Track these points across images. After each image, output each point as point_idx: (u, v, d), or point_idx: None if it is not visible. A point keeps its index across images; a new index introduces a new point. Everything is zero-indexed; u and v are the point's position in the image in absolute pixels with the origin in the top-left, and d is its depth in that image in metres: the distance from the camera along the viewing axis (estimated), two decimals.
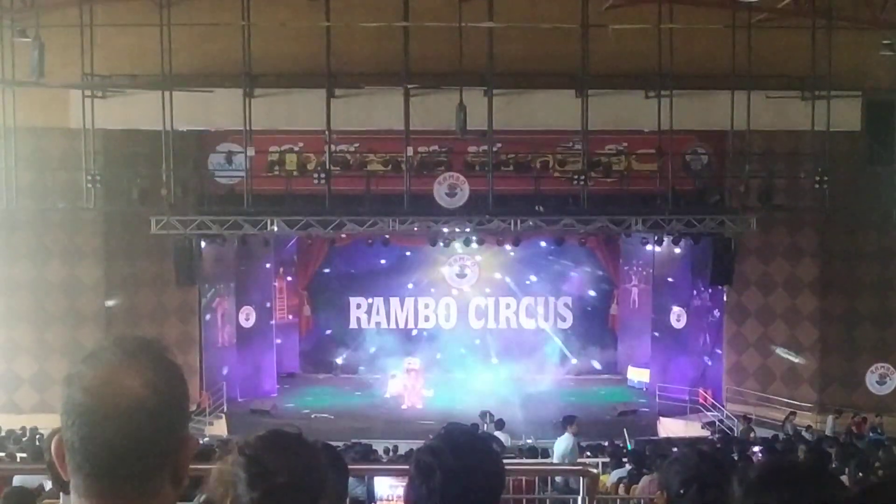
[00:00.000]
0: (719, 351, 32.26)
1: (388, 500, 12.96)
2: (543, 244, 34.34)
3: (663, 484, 4.46)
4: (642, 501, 13.81)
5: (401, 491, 12.96)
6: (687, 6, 26.72)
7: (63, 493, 2.16)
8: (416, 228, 28.31)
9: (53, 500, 8.60)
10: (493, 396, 31.35)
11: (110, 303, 29.65)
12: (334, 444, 23.11)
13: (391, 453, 22.34)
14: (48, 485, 9.29)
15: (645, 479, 15.39)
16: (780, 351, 31.09)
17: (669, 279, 33.72)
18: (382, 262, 35.59)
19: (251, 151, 26.98)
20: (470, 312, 36.86)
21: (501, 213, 27.34)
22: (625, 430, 25.45)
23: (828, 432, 26.47)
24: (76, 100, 26.73)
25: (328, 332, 36.71)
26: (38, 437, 21.72)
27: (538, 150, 29.85)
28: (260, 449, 3.08)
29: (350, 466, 5.56)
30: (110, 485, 2.15)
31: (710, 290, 32.07)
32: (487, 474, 3.25)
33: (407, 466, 3.36)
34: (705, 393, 31.63)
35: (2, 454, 18.72)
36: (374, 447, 22.22)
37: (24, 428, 23.91)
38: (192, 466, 2.32)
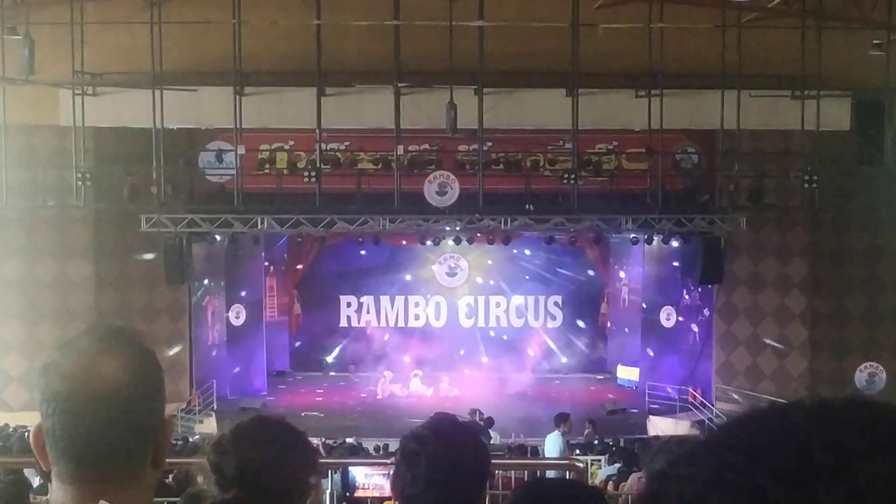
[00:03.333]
0: (709, 350, 32.32)
1: (363, 487, 13.14)
2: (533, 243, 34.32)
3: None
4: (630, 499, 13.87)
5: (376, 479, 13.17)
6: (677, 6, 26.72)
7: (49, 483, 2.21)
8: (406, 227, 28.36)
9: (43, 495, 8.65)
10: (482, 394, 31.45)
11: None
12: (325, 441, 23.05)
13: (381, 451, 22.37)
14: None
15: (633, 477, 15.46)
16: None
17: (659, 278, 33.76)
18: (373, 260, 35.57)
19: (241, 149, 26.95)
20: (460, 311, 36.88)
21: (492, 211, 27.37)
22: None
23: None
24: (66, 97, 26.70)
25: (318, 330, 36.74)
26: (25, 434, 21.70)
27: (528, 149, 29.87)
28: (233, 441, 3.12)
29: (324, 460, 5.56)
30: (94, 469, 2.18)
31: (699, 289, 32.11)
32: (472, 461, 3.30)
33: (381, 461, 3.41)
34: (694, 392, 31.68)
35: None
36: (363, 445, 22.26)
37: (6, 424, 23.88)
38: (180, 461, 2.36)
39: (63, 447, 2.17)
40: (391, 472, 3.36)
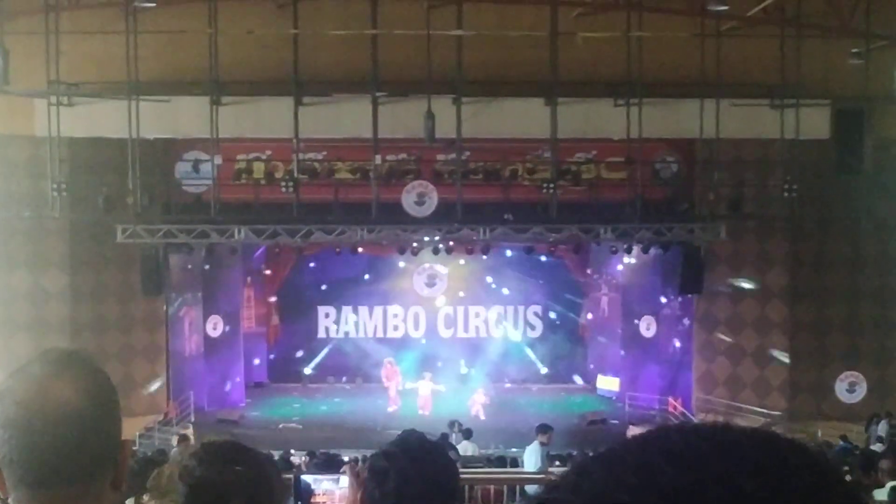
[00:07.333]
0: (689, 359, 32.28)
1: (315, 494, 13.26)
2: (512, 253, 34.25)
3: None
4: None
5: (326, 485, 13.33)
6: (656, 15, 26.78)
7: None
8: (384, 237, 28.26)
9: None
10: (461, 405, 31.33)
11: None
12: (301, 453, 22.90)
13: (358, 463, 22.20)
14: None
15: None
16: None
17: (639, 288, 33.69)
18: (351, 271, 35.44)
19: (218, 160, 26.91)
20: (439, 321, 36.77)
21: (470, 221, 27.33)
22: None
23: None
24: (41, 107, 26.56)
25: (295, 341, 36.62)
26: None
27: (507, 159, 29.84)
28: (200, 462, 3.02)
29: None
30: (54, 493, 2.16)
31: (679, 299, 32.07)
32: (441, 479, 3.29)
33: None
34: (675, 402, 31.63)
35: None
36: (341, 456, 22.11)
37: None
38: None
39: (21, 473, 2.16)
40: (360, 492, 3.31)
